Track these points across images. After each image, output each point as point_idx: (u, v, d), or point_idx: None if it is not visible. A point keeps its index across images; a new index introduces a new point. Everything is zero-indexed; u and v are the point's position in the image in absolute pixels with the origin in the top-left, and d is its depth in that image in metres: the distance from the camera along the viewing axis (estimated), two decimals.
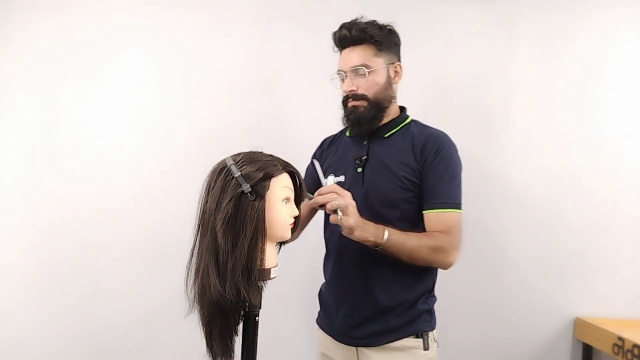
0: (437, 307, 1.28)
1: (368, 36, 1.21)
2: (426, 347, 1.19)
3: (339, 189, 1.07)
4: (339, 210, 1.04)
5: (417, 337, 1.20)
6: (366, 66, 1.21)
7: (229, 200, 0.83)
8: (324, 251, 1.37)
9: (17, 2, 1.77)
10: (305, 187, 0.97)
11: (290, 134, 1.81)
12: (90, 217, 1.77)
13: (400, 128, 1.28)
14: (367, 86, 1.22)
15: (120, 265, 1.78)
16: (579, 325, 1.82)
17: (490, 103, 1.87)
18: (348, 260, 1.23)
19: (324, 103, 1.81)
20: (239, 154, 0.89)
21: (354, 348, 1.23)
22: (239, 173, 0.84)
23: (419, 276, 1.22)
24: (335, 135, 1.42)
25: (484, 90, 1.86)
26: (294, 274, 1.77)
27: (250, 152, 0.90)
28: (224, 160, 0.90)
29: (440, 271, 1.28)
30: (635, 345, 1.56)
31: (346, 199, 1.06)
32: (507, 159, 1.84)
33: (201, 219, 0.88)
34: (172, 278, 1.80)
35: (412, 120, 1.31)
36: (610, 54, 1.85)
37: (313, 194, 1.12)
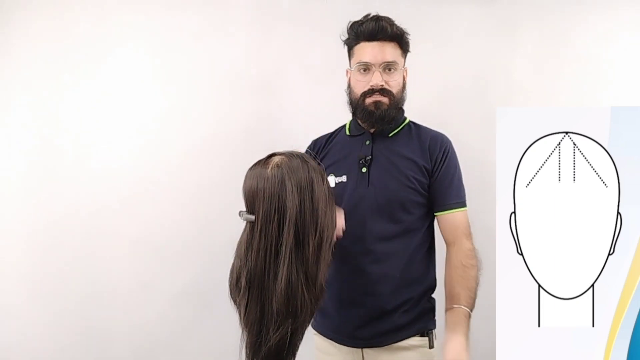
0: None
1: (402, 36, 1.23)
2: (431, 345, 1.20)
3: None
4: None
5: (422, 335, 1.20)
6: (397, 63, 1.22)
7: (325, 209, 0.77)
8: None
9: (18, 1, 1.77)
10: None
11: (290, 134, 1.80)
12: (90, 217, 1.77)
13: (402, 128, 1.28)
14: (394, 83, 1.22)
15: (120, 266, 1.78)
16: None
17: (490, 103, 1.86)
18: (356, 256, 1.20)
19: (324, 103, 1.82)
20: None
21: (359, 350, 1.21)
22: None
23: (422, 274, 1.23)
24: (330, 135, 1.38)
25: (484, 90, 1.86)
26: None
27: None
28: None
29: (437, 270, 1.29)
30: None
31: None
32: None
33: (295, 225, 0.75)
34: (173, 279, 1.82)
35: (410, 121, 1.31)
36: (610, 54, 1.85)
37: None
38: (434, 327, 1.23)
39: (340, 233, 1.05)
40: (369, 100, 1.22)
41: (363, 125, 1.28)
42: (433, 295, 1.28)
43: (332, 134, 1.38)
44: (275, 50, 1.84)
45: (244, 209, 0.80)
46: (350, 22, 1.27)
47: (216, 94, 1.82)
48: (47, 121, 1.78)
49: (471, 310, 1.10)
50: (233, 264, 0.80)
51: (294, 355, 0.78)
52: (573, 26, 1.86)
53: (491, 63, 1.86)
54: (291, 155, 0.80)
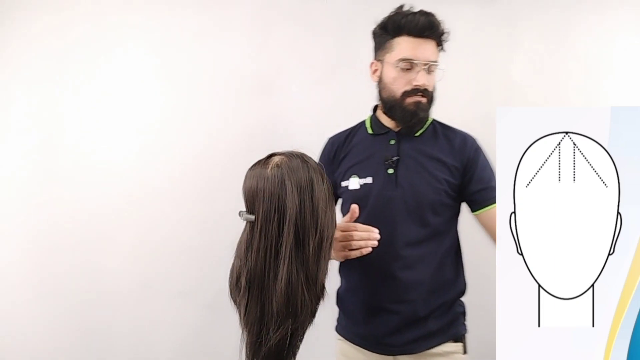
0: None
1: (445, 37, 1.17)
2: (465, 351, 1.16)
3: None
4: None
5: (455, 341, 1.15)
6: (437, 64, 1.16)
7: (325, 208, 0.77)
8: None
9: (18, 1, 1.77)
10: None
11: (290, 134, 1.81)
12: (91, 217, 1.77)
13: (427, 127, 1.22)
14: (433, 85, 1.17)
15: (121, 267, 1.79)
16: None
17: (490, 103, 1.86)
18: (385, 261, 1.13)
19: (324, 103, 1.82)
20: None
21: (391, 357, 1.15)
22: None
23: (452, 277, 1.18)
24: (348, 132, 1.29)
25: (484, 90, 1.86)
26: None
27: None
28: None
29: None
30: None
31: None
32: None
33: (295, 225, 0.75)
34: (173, 279, 1.82)
35: (434, 120, 1.24)
36: (610, 54, 1.85)
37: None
38: (466, 332, 1.19)
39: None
40: (409, 100, 1.14)
41: (387, 123, 1.21)
42: (462, 299, 1.23)
43: (350, 131, 1.29)
44: (275, 50, 1.84)
45: (244, 209, 0.80)
46: (392, 11, 1.17)
47: (216, 94, 1.83)
48: (48, 121, 1.78)
49: None
50: (233, 264, 0.80)
51: (294, 355, 0.78)
52: (573, 26, 1.86)
53: (491, 63, 1.86)
54: (291, 155, 0.80)
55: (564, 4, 1.85)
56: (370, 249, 1.03)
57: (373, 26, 1.22)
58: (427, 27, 1.12)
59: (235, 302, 0.79)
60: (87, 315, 1.77)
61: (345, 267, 1.23)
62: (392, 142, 1.19)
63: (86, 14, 1.79)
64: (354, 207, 1.04)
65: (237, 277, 0.78)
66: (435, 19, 1.13)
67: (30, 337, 1.75)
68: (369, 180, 1.17)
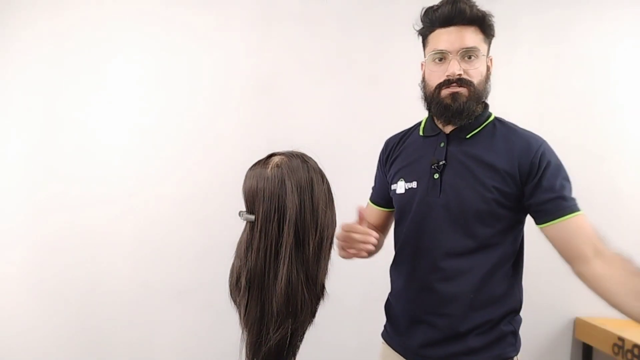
0: None
1: (484, 19, 1.08)
2: None
3: None
4: None
5: None
6: (478, 50, 1.07)
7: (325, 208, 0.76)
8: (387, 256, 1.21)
9: (18, 3, 1.77)
10: None
11: (290, 134, 1.81)
12: (91, 217, 1.77)
13: (484, 127, 1.11)
14: (474, 73, 1.07)
15: (121, 266, 1.78)
16: (579, 325, 1.82)
17: (490, 103, 1.86)
18: (424, 271, 1.07)
19: (324, 103, 1.82)
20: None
21: None
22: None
23: (502, 294, 1.07)
24: (404, 133, 1.22)
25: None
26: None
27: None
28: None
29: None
30: (635, 345, 1.56)
31: None
32: None
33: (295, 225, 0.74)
34: (173, 279, 1.82)
35: (496, 118, 1.14)
36: (610, 54, 1.85)
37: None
38: (516, 354, 1.09)
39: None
40: (444, 92, 1.06)
41: (438, 124, 1.13)
42: (519, 316, 1.14)
43: (406, 132, 1.22)
44: (275, 50, 1.84)
45: (244, 209, 0.80)
46: (423, 8, 1.11)
47: (216, 94, 1.83)
48: (48, 122, 1.78)
49: None
50: (233, 264, 0.80)
51: (294, 355, 0.78)
52: (573, 26, 1.86)
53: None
54: (291, 155, 0.80)
55: (564, 4, 1.85)
56: (366, 254, 1.00)
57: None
58: (455, 15, 1.05)
59: (235, 302, 0.79)
60: (87, 315, 1.77)
61: (393, 273, 1.19)
62: (442, 144, 1.10)
63: (87, 15, 1.79)
64: (360, 209, 1.01)
65: (237, 277, 0.78)
66: (463, 4, 1.06)
67: (30, 337, 1.75)
68: (414, 184, 1.10)
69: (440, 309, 1.06)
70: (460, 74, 1.05)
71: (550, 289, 1.83)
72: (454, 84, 1.05)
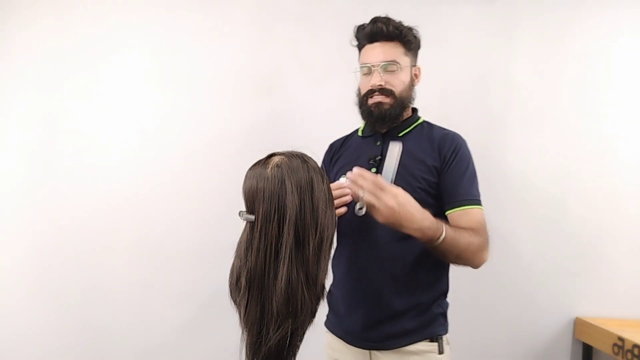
0: None
1: (402, 34, 1.22)
2: (441, 351, 1.18)
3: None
4: (361, 195, 0.98)
5: (431, 340, 1.18)
6: (397, 63, 1.21)
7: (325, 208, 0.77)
8: None
9: (18, 2, 1.77)
10: None
11: (290, 134, 1.81)
12: (91, 217, 1.77)
13: (413, 128, 1.27)
14: (396, 83, 1.22)
15: (121, 266, 1.79)
16: (579, 325, 1.82)
17: (490, 103, 1.87)
18: (362, 260, 1.20)
19: (324, 103, 1.82)
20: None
21: (367, 351, 1.20)
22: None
23: (434, 278, 1.21)
24: (345, 137, 1.39)
25: (484, 90, 1.86)
26: None
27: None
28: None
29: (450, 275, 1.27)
30: (635, 345, 1.56)
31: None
32: (507, 159, 1.84)
33: (295, 225, 0.74)
34: (173, 279, 1.82)
35: (424, 121, 1.31)
36: (610, 54, 1.85)
37: None
38: (445, 333, 1.21)
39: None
40: (370, 101, 1.23)
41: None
42: (447, 299, 1.25)
43: (348, 136, 1.38)
44: (275, 50, 1.84)
45: (244, 209, 0.80)
46: (355, 26, 1.27)
47: (216, 94, 1.83)
48: (48, 122, 1.78)
49: (440, 237, 1.03)
50: (233, 264, 0.80)
51: (294, 355, 0.78)
52: (573, 26, 1.86)
53: (491, 63, 1.87)
54: (291, 155, 0.80)
55: (564, 4, 1.85)
56: (344, 209, 1.09)
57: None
58: (376, 32, 1.21)
59: (235, 302, 0.79)
60: (87, 315, 1.77)
61: (334, 262, 1.28)
62: (378, 143, 1.26)
63: (86, 15, 1.79)
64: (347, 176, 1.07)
65: (237, 277, 0.78)
66: (381, 24, 1.20)
67: (29, 337, 1.75)
68: None
69: (377, 290, 1.18)
70: (381, 85, 1.21)
71: (550, 289, 1.84)
72: (377, 94, 1.21)
